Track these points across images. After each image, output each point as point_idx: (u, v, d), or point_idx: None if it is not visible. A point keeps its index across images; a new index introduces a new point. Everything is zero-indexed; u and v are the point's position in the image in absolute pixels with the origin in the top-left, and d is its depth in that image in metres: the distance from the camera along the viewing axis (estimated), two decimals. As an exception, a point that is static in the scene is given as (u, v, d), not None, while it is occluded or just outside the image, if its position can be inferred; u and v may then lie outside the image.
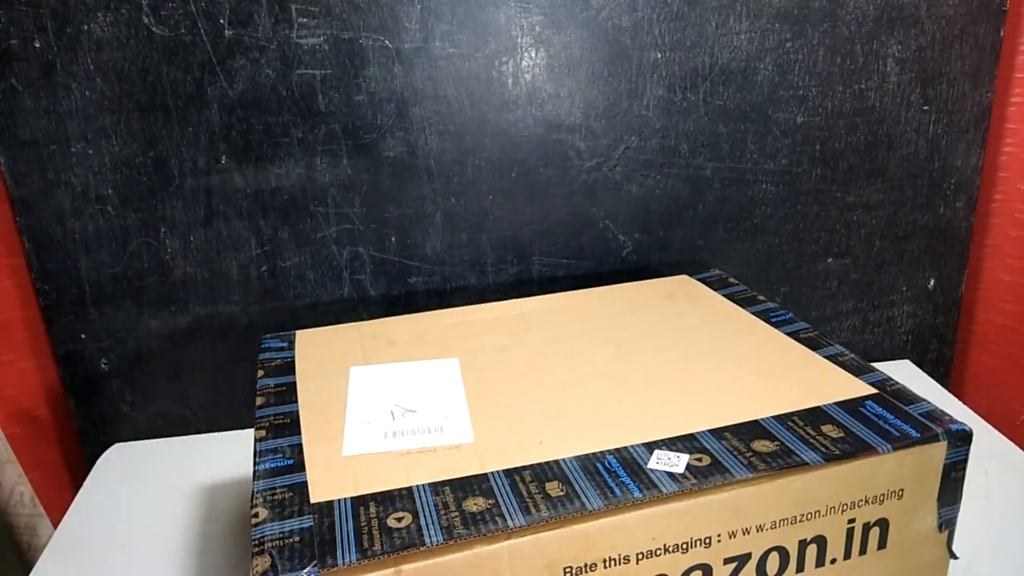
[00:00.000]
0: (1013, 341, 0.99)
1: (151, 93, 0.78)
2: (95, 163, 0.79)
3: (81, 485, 0.82)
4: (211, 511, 0.77)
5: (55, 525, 0.84)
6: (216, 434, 0.90)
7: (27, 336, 0.86)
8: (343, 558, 0.43)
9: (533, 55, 0.82)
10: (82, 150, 0.79)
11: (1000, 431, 0.82)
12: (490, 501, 0.48)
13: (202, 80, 0.78)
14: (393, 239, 0.86)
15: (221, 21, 0.76)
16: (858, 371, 0.61)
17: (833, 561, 0.53)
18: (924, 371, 0.98)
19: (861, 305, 0.98)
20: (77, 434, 0.89)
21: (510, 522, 0.46)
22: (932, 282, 0.99)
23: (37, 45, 0.75)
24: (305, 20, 0.78)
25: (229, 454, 0.86)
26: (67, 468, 0.92)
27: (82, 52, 0.76)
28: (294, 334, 0.72)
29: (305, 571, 0.43)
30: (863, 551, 0.54)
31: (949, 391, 0.93)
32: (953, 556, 0.57)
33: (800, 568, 0.52)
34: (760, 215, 0.92)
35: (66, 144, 0.78)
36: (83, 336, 0.85)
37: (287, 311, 0.87)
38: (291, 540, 0.45)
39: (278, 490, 0.50)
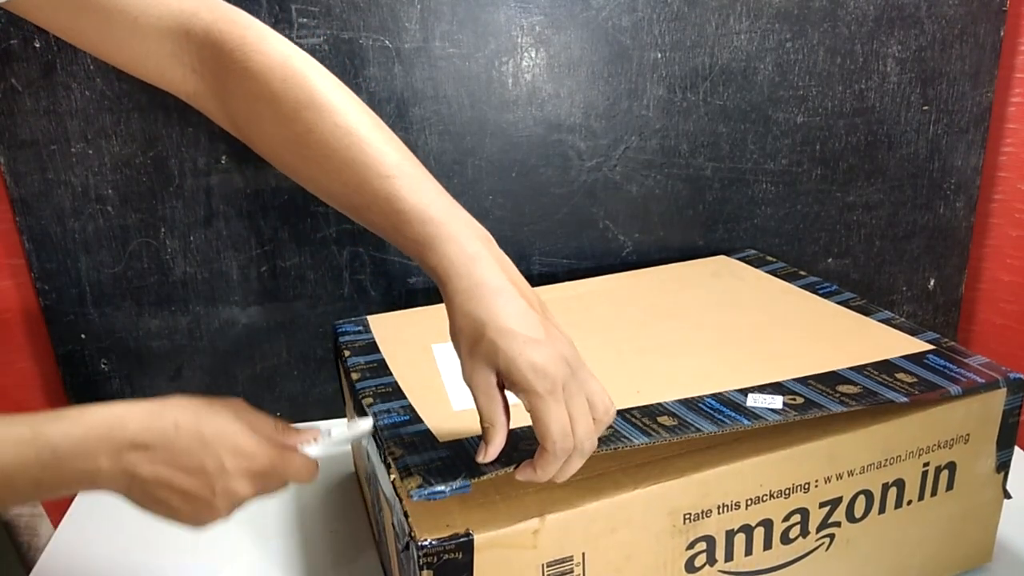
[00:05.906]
0: (1013, 341, 0.99)
1: (151, 93, 0.78)
2: (95, 163, 0.79)
3: (81, 485, 0.82)
4: (211, 511, 0.76)
5: (55, 525, 0.84)
6: (216, 434, 0.89)
7: (27, 336, 0.86)
8: (489, 471, 0.47)
9: (533, 55, 0.82)
10: (82, 150, 0.79)
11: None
12: (608, 429, 0.50)
13: (202, 80, 0.78)
14: (393, 239, 0.86)
15: (221, 21, 0.76)
16: (913, 331, 0.66)
17: (909, 503, 0.58)
18: (924, 371, 0.98)
19: (861, 305, 0.98)
20: (77, 434, 0.89)
21: (635, 440, 0.49)
22: (932, 282, 0.99)
23: (37, 45, 0.75)
24: (305, 20, 0.77)
25: (229, 454, 0.85)
26: (67, 468, 0.92)
27: (82, 52, 0.76)
28: (366, 319, 0.75)
29: (458, 480, 0.47)
30: (934, 492, 0.59)
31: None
32: (1007, 495, 0.62)
33: (882, 510, 0.58)
34: (760, 215, 0.92)
35: (66, 144, 0.78)
36: (83, 336, 0.84)
37: (287, 311, 0.87)
38: (435, 464, 0.49)
39: (405, 436, 0.53)
